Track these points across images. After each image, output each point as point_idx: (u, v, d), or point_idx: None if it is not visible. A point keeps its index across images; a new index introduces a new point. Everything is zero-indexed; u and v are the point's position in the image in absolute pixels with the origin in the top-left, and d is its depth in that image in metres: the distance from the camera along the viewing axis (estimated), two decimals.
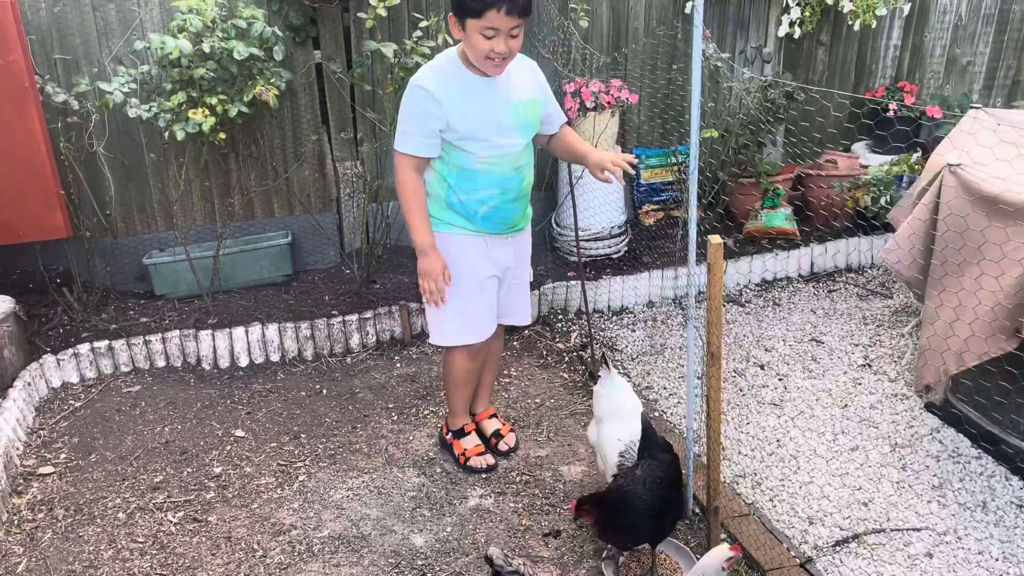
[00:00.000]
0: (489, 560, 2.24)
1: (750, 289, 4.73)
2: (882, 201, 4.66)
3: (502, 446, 3.31)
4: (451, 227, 2.85)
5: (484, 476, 3.18)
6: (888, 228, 4.75)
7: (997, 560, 2.64)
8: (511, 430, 3.40)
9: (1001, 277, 2.73)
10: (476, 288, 2.93)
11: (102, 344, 3.95)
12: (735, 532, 2.75)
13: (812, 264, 4.83)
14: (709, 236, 2.30)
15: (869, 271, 4.84)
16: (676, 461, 2.61)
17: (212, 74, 3.86)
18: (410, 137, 2.72)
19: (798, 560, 2.63)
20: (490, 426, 3.36)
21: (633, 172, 3.04)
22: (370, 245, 4.61)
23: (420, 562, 2.76)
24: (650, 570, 2.65)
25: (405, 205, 2.81)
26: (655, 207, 5.28)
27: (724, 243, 2.32)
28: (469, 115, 2.68)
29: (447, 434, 3.30)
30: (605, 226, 4.80)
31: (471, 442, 3.25)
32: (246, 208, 4.75)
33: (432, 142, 2.72)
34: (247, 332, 4.08)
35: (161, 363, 4.04)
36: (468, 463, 3.21)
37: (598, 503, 2.53)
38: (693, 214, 2.47)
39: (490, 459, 3.22)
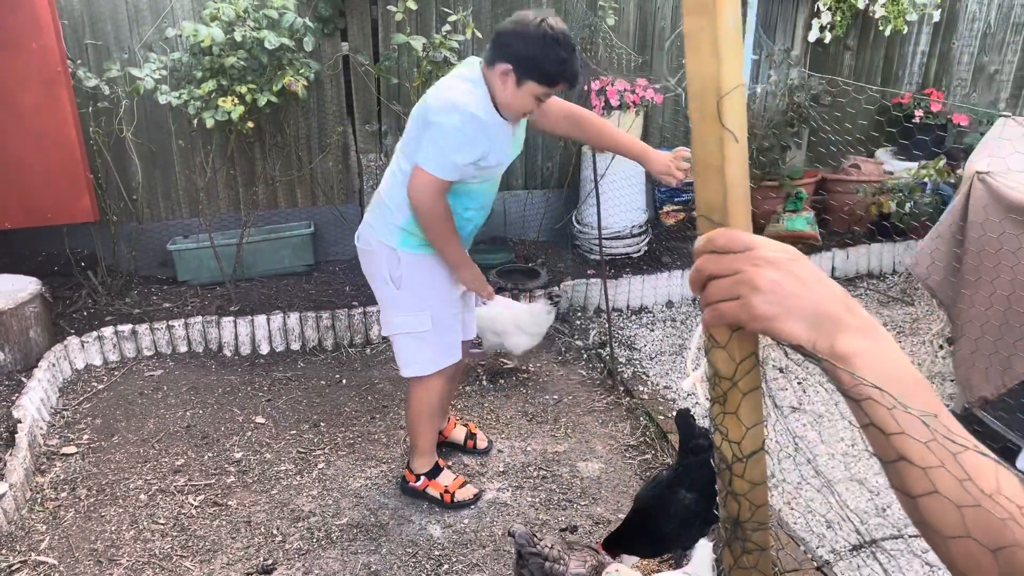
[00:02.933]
0: (512, 536, 2.23)
1: None
2: (907, 207, 4.64)
3: (480, 444, 3.28)
4: (430, 249, 2.70)
5: (502, 471, 3.19)
6: (912, 234, 4.74)
7: None
8: (477, 427, 3.38)
9: None
10: (453, 308, 2.84)
11: (126, 328, 3.99)
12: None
13: (833, 269, 4.82)
14: None
15: (891, 277, 4.83)
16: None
17: (242, 63, 3.90)
18: (454, 164, 2.53)
19: (815, 563, 2.63)
20: (459, 434, 3.32)
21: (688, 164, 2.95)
22: None
23: (437, 552, 2.78)
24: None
25: (442, 234, 2.63)
26: (676, 207, 5.28)
27: None
28: (494, 151, 2.60)
29: (415, 481, 3.03)
30: (626, 225, 4.81)
31: (448, 478, 3.04)
32: (270, 197, 4.78)
33: (472, 167, 2.59)
34: (268, 320, 4.11)
35: (183, 348, 4.08)
36: (456, 499, 3.00)
37: (645, 512, 2.48)
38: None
39: (474, 489, 3.05)
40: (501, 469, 3.21)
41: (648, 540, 2.45)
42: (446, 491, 3.01)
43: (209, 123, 3.87)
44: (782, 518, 2.87)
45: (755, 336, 0.82)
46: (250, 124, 4.06)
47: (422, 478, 3.03)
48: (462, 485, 3.05)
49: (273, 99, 3.97)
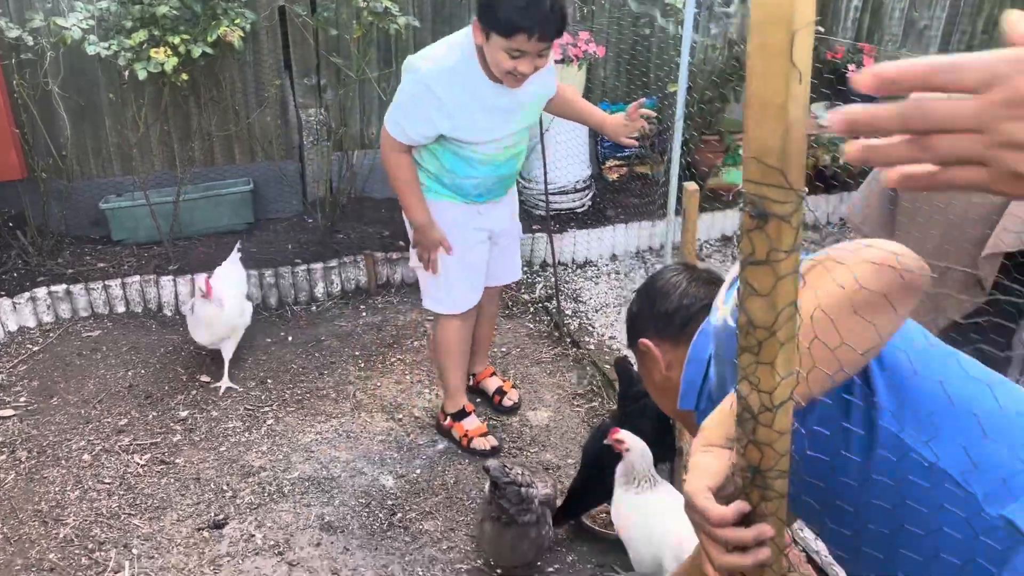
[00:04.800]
0: (487, 471, 2.30)
1: (711, 244, 4.83)
2: (841, 159, 4.77)
3: (506, 402, 3.27)
4: (441, 196, 2.75)
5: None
6: (846, 187, 4.88)
7: None
8: (513, 386, 3.35)
9: (963, 234, 2.84)
10: (464, 258, 2.84)
11: (60, 288, 3.87)
12: None
13: None
14: (685, 183, 2.35)
15: (825, 228, 4.97)
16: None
17: (175, 12, 3.76)
18: (403, 128, 2.56)
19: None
20: (492, 384, 3.32)
21: (650, 124, 2.86)
22: (334, 194, 4.57)
23: (390, 502, 2.81)
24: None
25: (398, 186, 2.69)
26: (619, 162, 5.32)
27: (679, 203, 2.37)
28: (477, 124, 2.55)
29: (444, 419, 3.10)
30: (571, 180, 4.83)
31: (472, 423, 3.07)
32: (206, 154, 4.66)
33: (425, 138, 2.59)
34: (239, 248, 4.02)
35: (121, 308, 3.98)
36: (472, 444, 3.04)
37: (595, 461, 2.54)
38: (676, 157, 2.53)
39: (493, 440, 3.05)
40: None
41: (602, 490, 2.52)
42: (466, 435, 3.05)
43: (142, 75, 3.74)
44: None
45: (796, 281, 0.76)
46: (184, 76, 3.92)
47: (449, 418, 3.08)
48: (484, 434, 3.06)
49: (208, 50, 3.85)
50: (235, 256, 3.73)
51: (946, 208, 2.93)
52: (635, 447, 2.28)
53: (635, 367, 2.69)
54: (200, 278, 3.30)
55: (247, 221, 4.64)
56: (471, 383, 3.34)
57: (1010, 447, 1.02)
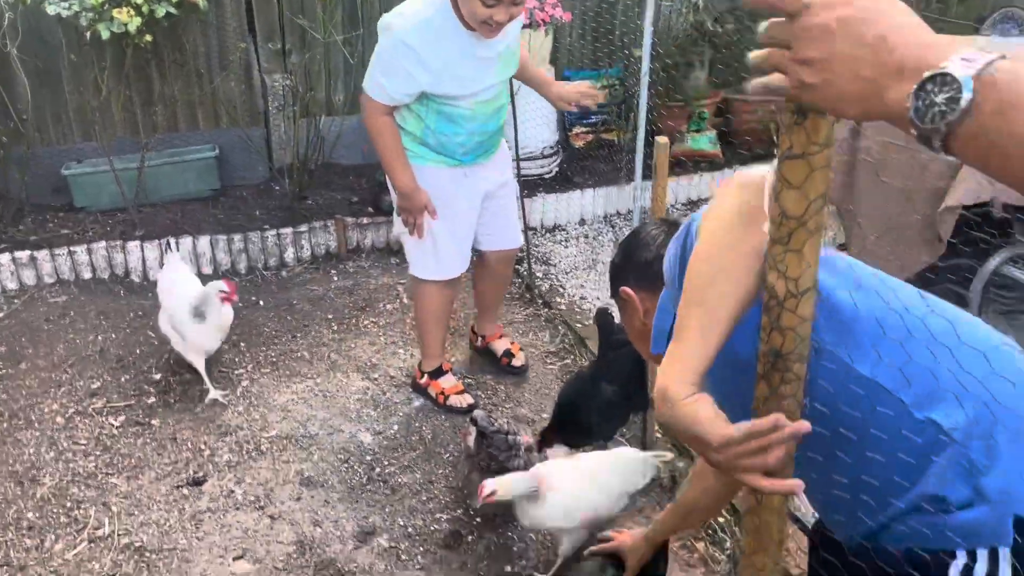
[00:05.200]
0: (474, 422, 2.35)
1: (676, 209, 4.90)
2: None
3: (515, 363, 3.28)
4: (426, 160, 2.75)
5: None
6: None
7: None
8: (520, 349, 3.35)
9: (922, 188, 2.94)
10: (452, 225, 2.85)
11: (23, 255, 3.80)
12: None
13: None
14: (656, 137, 2.40)
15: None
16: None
17: None
18: (382, 87, 2.57)
19: None
20: (500, 346, 3.33)
21: (594, 103, 2.93)
22: (301, 160, 4.54)
23: (369, 457, 2.85)
24: None
25: (381, 149, 2.69)
26: (585, 129, 5.36)
27: (650, 163, 2.43)
28: (457, 77, 2.55)
29: (421, 378, 3.14)
30: (538, 146, 4.86)
31: (449, 381, 3.11)
32: (169, 119, 4.59)
33: (407, 95, 2.59)
34: (178, 244, 3.99)
35: (87, 275, 3.93)
36: (448, 402, 3.07)
37: (571, 405, 2.59)
38: (642, 122, 2.58)
39: (469, 399, 3.08)
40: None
41: (575, 430, 2.59)
42: (442, 393, 3.09)
43: (105, 35, 3.67)
44: None
45: (827, 175, 0.86)
46: (148, 37, 3.86)
47: (426, 376, 3.12)
48: (460, 392, 3.09)
49: (172, 10, 3.79)
50: (176, 257, 3.34)
51: (905, 164, 3.04)
52: (506, 490, 2.15)
53: (616, 318, 2.76)
54: (217, 284, 2.97)
55: (213, 188, 4.60)
56: (480, 344, 3.37)
57: (939, 368, 1.14)
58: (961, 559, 1.07)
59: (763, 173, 1.06)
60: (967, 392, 1.13)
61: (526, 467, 2.41)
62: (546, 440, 2.59)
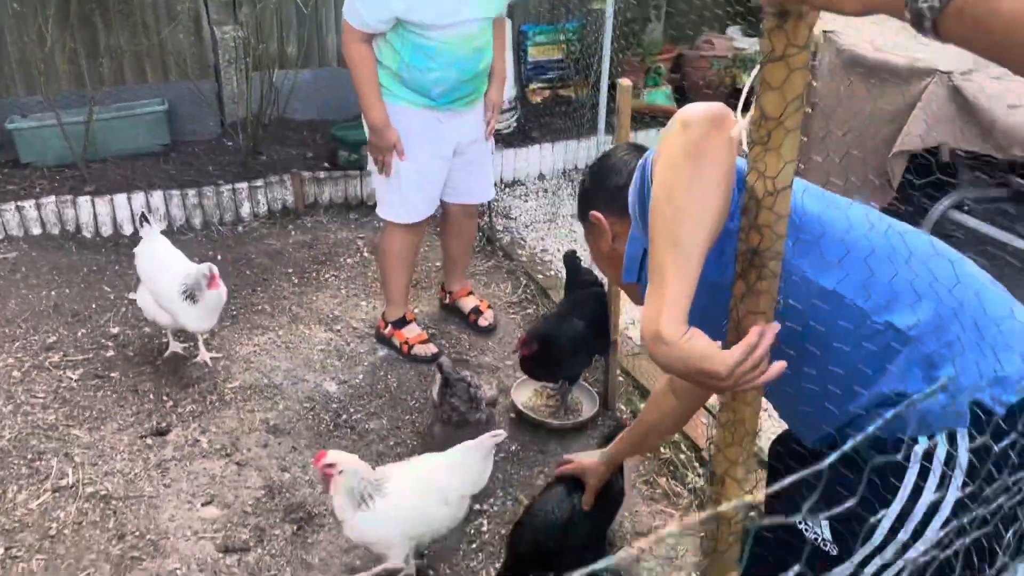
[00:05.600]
0: (440, 367, 2.37)
1: None
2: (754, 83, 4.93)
3: (482, 321, 3.27)
4: (400, 100, 2.74)
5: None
6: None
7: None
8: (489, 307, 3.34)
9: (873, 135, 3.02)
10: (421, 168, 2.84)
11: None
12: (628, 367, 3.00)
13: None
14: (619, 79, 2.42)
15: (740, 148, 5.15)
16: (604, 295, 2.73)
17: None
18: (358, 12, 2.56)
19: None
20: (468, 303, 3.32)
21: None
22: (255, 115, 4.46)
23: (335, 405, 2.86)
24: (561, 403, 2.84)
25: (356, 79, 2.69)
26: (542, 85, 5.35)
27: (608, 121, 2.45)
28: (433, 3, 2.54)
29: (385, 328, 3.14)
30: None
31: (413, 331, 3.12)
32: (116, 72, 4.46)
33: (385, 22, 2.58)
34: (130, 199, 3.91)
35: (37, 231, 3.82)
36: (413, 351, 3.08)
37: (544, 339, 2.63)
38: (605, 75, 2.61)
39: (433, 348, 3.10)
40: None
41: (547, 363, 2.65)
42: (406, 342, 3.09)
43: None
44: None
45: (805, 76, 0.89)
46: None
47: (390, 326, 3.12)
48: (424, 341, 3.10)
49: None
50: (155, 231, 3.00)
51: (855, 109, 3.11)
52: (348, 467, 2.03)
53: (584, 261, 2.81)
54: (202, 268, 2.77)
55: (163, 143, 4.49)
56: (448, 301, 3.37)
57: (896, 280, 1.21)
58: (922, 444, 1.14)
59: (703, 108, 1.10)
60: (925, 293, 1.19)
61: (487, 424, 2.43)
62: (524, 365, 2.64)
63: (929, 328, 1.16)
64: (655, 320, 1.04)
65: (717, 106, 1.12)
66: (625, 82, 2.40)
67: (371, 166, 2.91)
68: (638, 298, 1.46)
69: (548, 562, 1.99)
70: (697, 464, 2.56)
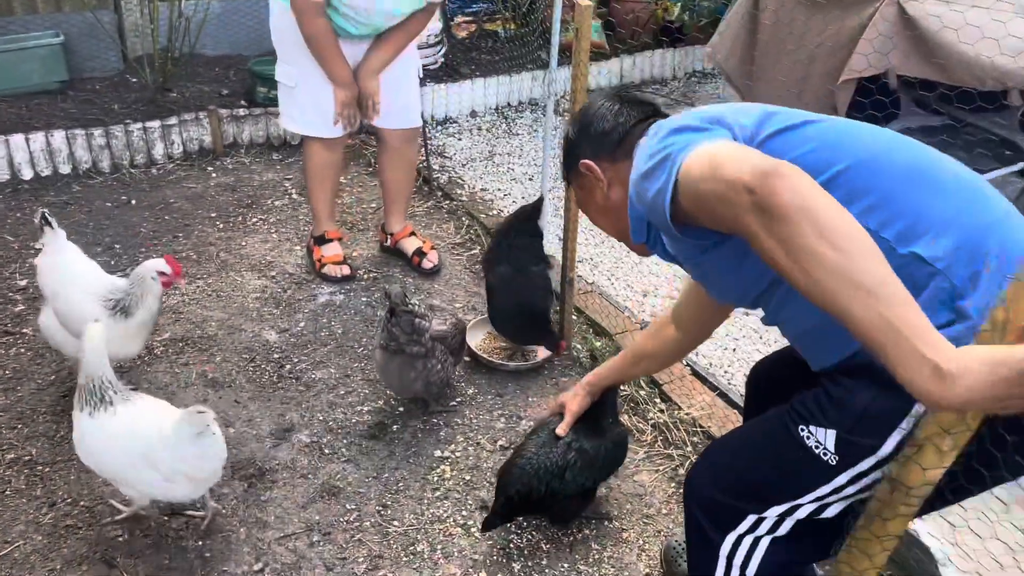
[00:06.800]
0: (388, 295, 2.23)
1: (567, 99, 4.83)
2: (687, 14, 4.86)
3: (425, 263, 3.12)
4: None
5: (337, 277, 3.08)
6: (694, 41, 5.01)
7: None
8: (432, 247, 3.19)
9: (819, 63, 2.98)
10: (315, 78, 2.73)
11: None
12: (582, 306, 2.92)
13: (622, 75, 5.00)
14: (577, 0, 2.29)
15: (672, 83, 5.10)
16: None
17: None
18: None
19: (639, 325, 2.87)
20: (410, 244, 3.16)
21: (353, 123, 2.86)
22: (165, 50, 4.11)
23: (277, 355, 2.69)
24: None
25: (322, 53, 2.65)
26: (468, 19, 5.14)
27: (539, 57, 2.36)
28: None
29: (312, 242, 3.11)
30: (421, 35, 4.61)
31: (331, 250, 3.07)
32: (2, 2, 4.02)
33: None
34: (28, 140, 3.56)
35: None
36: (323, 270, 3.03)
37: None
38: (558, 7, 2.54)
39: (346, 270, 3.04)
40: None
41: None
42: (320, 260, 3.06)
43: None
44: (605, 291, 3.08)
45: None
46: None
47: (313, 241, 3.11)
48: (338, 262, 3.07)
49: None
50: (59, 236, 2.37)
51: (802, 38, 3.07)
52: (93, 345, 1.78)
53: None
54: (154, 264, 2.29)
55: (60, 79, 4.11)
56: (389, 243, 3.21)
57: (918, 200, 1.19)
58: None
59: (748, 171, 1.03)
60: (950, 222, 1.16)
61: (427, 355, 2.31)
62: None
63: (955, 257, 1.14)
64: (922, 362, 0.91)
65: (756, 161, 1.06)
66: (584, 2, 2.27)
67: (280, 76, 2.81)
68: (639, 251, 1.53)
69: (539, 506, 1.93)
70: (658, 400, 2.52)
